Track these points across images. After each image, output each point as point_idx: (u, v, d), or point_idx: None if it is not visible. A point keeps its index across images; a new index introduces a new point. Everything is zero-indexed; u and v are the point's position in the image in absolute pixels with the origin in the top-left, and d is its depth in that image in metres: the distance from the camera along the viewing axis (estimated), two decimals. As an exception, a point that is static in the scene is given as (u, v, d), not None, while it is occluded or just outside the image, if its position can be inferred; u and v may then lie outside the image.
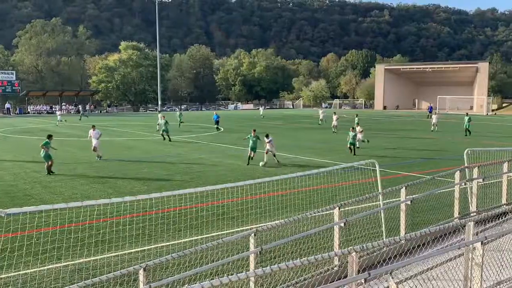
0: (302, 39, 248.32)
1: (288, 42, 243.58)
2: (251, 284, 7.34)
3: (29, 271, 9.24)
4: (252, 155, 23.22)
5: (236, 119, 66.89)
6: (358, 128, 29.35)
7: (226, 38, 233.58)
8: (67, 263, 9.67)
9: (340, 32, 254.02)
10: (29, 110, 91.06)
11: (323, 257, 4.85)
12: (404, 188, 9.91)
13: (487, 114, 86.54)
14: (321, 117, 54.42)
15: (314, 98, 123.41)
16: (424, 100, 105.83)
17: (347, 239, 9.59)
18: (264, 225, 8.06)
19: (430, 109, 70.64)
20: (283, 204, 13.94)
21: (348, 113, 71.97)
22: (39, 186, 18.06)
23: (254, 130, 24.12)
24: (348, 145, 27.32)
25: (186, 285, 4.32)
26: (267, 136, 23.36)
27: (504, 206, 12.19)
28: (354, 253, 5.23)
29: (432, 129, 44.47)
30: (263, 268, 4.41)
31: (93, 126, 27.01)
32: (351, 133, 27.33)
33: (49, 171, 20.52)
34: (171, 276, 6.52)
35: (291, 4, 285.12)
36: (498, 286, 6.50)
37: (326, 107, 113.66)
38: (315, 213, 8.80)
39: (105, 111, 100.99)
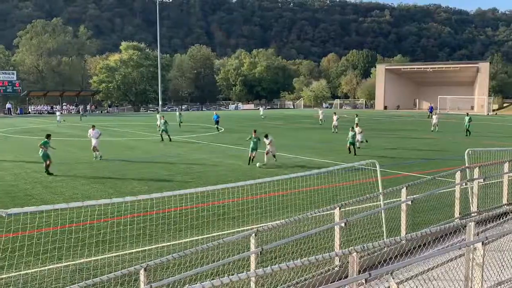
0: (303, 39, 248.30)
1: (289, 42, 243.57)
2: (252, 284, 7.33)
3: (30, 271, 9.25)
4: (252, 156, 23.13)
5: (237, 119, 66.90)
6: (357, 129, 29.31)
7: (227, 38, 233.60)
8: (68, 263, 9.68)
9: (340, 32, 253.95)
10: (30, 110, 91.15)
11: (324, 257, 4.85)
12: (404, 188, 9.91)
13: (487, 114, 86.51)
14: (320, 117, 54.42)
15: (314, 98, 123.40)
16: (425, 100, 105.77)
17: (347, 239, 9.59)
18: (264, 225, 8.06)
19: (431, 109, 70.60)
20: (283, 204, 13.94)
21: (349, 113, 71.96)
22: (39, 186, 18.07)
23: (255, 131, 24.06)
24: (348, 145, 27.31)
25: (187, 285, 4.33)
26: (266, 136, 23.27)
27: (505, 206, 12.19)
28: (354, 253, 5.23)
29: (432, 129, 44.45)
30: (264, 268, 4.41)
31: (93, 126, 27.01)
32: (350, 133, 27.33)
33: (47, 171, 20.47)
34: (172, 276, 6.53)
35: (291, 4, 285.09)
36: (499, 287, 6.49)
37: (327, 107, 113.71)
38: (315, 213, 8.80)
39: (106, 111, 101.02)
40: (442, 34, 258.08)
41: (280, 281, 7.64)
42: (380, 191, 10.36)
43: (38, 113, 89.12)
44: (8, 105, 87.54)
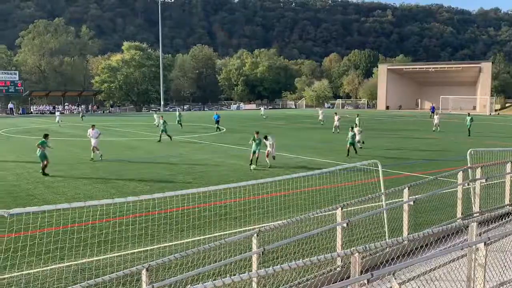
0: (305, 39, 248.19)
1: (291, 42, 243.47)
2: (254, 285, 7.33)
3: (32, 271, 9.27)
4: (256, 158, 22.89)
5: (239, 119, 66.91)
6: (356, 129, 29.19)
7: (229, 38, 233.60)
8: (70, 263, 9.70)
9: (342, 32, 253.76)
10: (32, 110, 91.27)
11: (326, 258, 4.84)
12: (407, 188, 9.89)
13: (490, 114, 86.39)
14: (320, 117, 54.37)
15: (316, 98, 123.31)
16: (427, 100, 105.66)
17: (349, 240, 9.58)
18: (266, 226, 8.06)
19: (433, 109, 70.55)
20: (285, 204, 13.94)
21: (351, 113, 71.90)
22: (42, 186, 18.10)
23: (257, 132, 23.91)
24: (348, 146, 26.90)
25: (189, 286, 4.33)
26: (266, 138, 23.16)
27: (507, 206, 12.17)
28: (357, 253, 5.23)
29: (434, 129, 44.42)
30: (266, 269, 4.41)
31: (93, 126, 26.87)
32: (350, 133, 27.02)
33: (43, 172, 20.36)
34: (173, 276, 6.53)
35: (293, 4, 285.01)
36: (501, 287, 6.48)
37: (329, 107, 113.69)
38: (317, 214, 8.79)
39: (107, 111, 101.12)
40: (444, 34, 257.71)
41: (282, 282, 7.64)
42: (382, 191, 10.35)
43: (40, 113, 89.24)
44: (10, 105, 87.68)
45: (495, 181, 12.45)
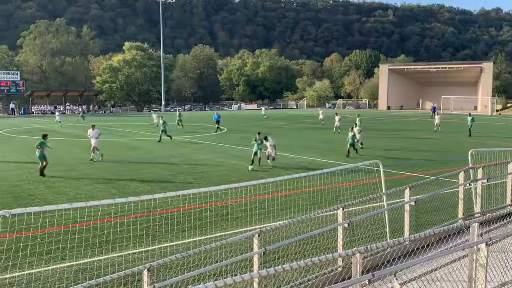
0: (306, 39, 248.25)
1: (292, 42, 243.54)
2: (255, 285, 7.33)
3: (33, 271, 9.27)
4: (256, 158, 22.86)
5: (240, 119, 66.92)
6: (356, 129, 29.13)
7: (230, 38, 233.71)
8: (71, 263, 9.70)
9: (344, 32, 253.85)
10: (33, 110, 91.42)
11: (327, 258, 4.84)
12: (408, 188, 9.89)
13: (491, 114, 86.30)
14: (320, 117, 54.35)
15: (317, 98, 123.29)
16: (428, 100, 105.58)
17: (351, 240, 9.58)
18: (268, 226, 8.05)
19: (434, 109, 70.49)
20: (287, 204, 13.93)
21: (352, 113, 71.89)
22: (43, 187, 18.11)
23: (259, 133, 23.88)
24: (348, 147, 26.65)
25: (190, 286, 4.33)
26: (265, 138, 23.05)
27: (509, 207, 12.15)
28: (358, 254, 5.22)
29: (435, 129, 44.39)
30: (267, 269, 4.41)
31: (93, 126, 26.83)
32: (350, 134, 26.85)
33: (41, 173, 20.26)
34: (175, 277, 6.53)
35: (294, 4, 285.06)
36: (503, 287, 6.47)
37: (330, 107, 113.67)
38: (319, 214, 8.79)
39: (109, 111, 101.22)
40: (445, 34, 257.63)
41: (283, 282, 7.64)
42: (383, 191, 10.35)
43: (42, 113, 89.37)
44: (11, 105, 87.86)
45: (496, 182, 12.45)
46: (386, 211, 10.05)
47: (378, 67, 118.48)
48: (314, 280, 7.59)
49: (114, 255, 9.99)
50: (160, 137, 34.38)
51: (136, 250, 10.47)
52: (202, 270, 6.61)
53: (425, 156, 27.23)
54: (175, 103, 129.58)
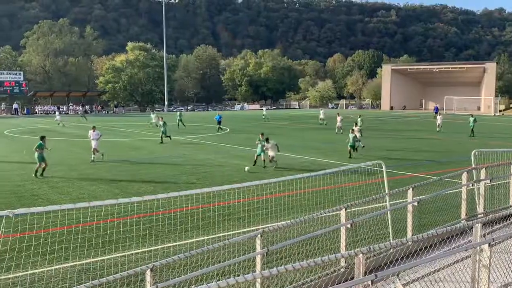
0: (309, 39, 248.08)
1: (295, 42, 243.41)
2: (258, 285, 7.34)
3: (36, 271, 9.29)
4: (260, 159, 22.74)
5: (242, 119, 66.93)
6: (356, 128, 29.02)
7: (233, 38, 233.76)
8: (75, 263, 9.72)
9: (346, 32, 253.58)
10: (36, 110, 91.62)
11: (330, 259, 4.84)
12: (411, 189, 9.88)
13: (494, 114, 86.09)
14: (321, 117, 54.31)
15: (320, 98, 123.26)
16: (431, 101, 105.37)
17: (353, 240, 9.57)
18: (270, 226, 8.06)
19: (436, 110, 70.35)
20: (289, 205, 13.94)
21: (355, 114, 71.80)
22: (46, 187, 18.15)
23: (262, 134, 23.83)
24: (349, 148, 26.51)
25: (193, 286, 4.34)
26: (267, 140, 22.96)
27: (512, 207, 12.13)
28: (361, 254, 5.22)
29: (438, 130, 44.32)
30: (270, 269, 4.41)
31: (93, 127, 26.74)
32: (350, 135, 26.69)
33: (36, 173, 20.09)
34: (178, 277, 6.55)
35: (297, 4, 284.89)
36: (506, 288, 6.46)
37: (332, 107, 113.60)
38: (321, 214, 8.79)
39: (112, 111, 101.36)
40: (448, 34, 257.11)
41: (286, 282, 7.64)
42: (386, 192, 10.34)
43: (45, 113, 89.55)
44: (15, 105, 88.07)
45: (499, 182, 12.43)
46: (389, 212, 10.04)
47: (381, 67, 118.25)
48: (316, 281, 7.59)
49: (117, 255, 10.01)
50: (161, 138, 34.17)
51: (139, 250, 10.48)
52: (205, 270, 6.62)
53: (428, 156, 27.19)
54: (178, 103, 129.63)
